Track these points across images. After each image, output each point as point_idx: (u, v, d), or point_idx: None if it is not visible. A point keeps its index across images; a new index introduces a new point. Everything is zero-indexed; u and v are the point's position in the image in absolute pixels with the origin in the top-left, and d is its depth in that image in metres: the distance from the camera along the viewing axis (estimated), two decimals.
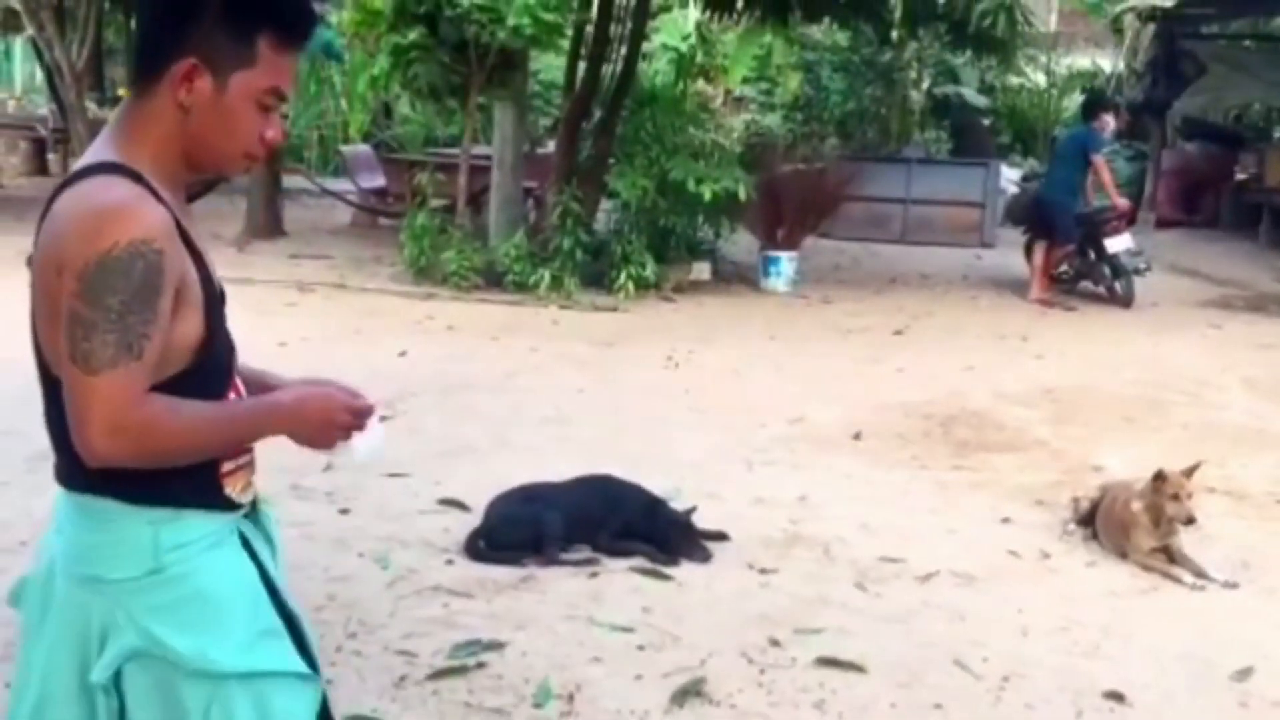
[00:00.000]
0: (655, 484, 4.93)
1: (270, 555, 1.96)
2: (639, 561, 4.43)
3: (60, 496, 1.84)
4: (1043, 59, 20.58)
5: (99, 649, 1.78)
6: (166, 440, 1.72)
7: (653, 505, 4.68)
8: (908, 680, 3.62)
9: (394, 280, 10.14)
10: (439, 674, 3.50)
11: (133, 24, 19.24)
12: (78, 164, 1.79)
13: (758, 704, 3.44)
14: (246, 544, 1.89)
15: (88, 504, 1.79)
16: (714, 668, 3.62)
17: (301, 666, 1.88)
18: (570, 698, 3.41)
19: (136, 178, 1.71)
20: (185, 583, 1.79)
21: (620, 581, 4.29)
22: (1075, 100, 19.58)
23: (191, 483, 1.80)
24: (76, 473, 1.76)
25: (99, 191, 1.69)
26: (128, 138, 1.77)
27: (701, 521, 4.69)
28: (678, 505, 4.76)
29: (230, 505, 1.87)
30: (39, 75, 16.48)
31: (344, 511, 4.80)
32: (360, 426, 1.91)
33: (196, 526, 1.81)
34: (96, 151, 1.77)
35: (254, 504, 1.96)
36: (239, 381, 1.92)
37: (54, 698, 1.82)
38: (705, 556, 4.52)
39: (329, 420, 1.88)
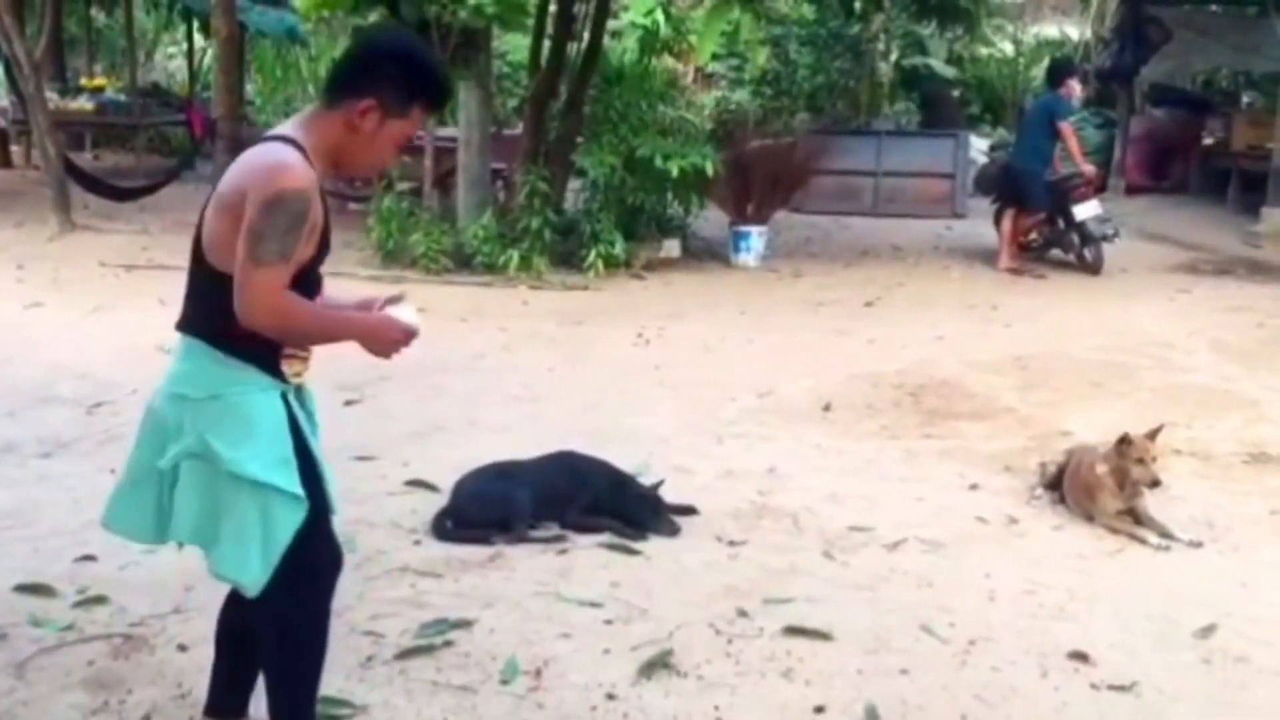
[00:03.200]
0: (625, 459, 4.93)
1: (307, 420, 2.73)
2: (607, 537, 4.43)
3: (177, 339, 2.68)
4: (1010, 28, 20.59)
5: (169, 445, 2.62)
6: (294, 321, 2.58)
7: (620, 481, 4.67)
8: (875, 647, 3.64)
9: (362, 264, 10.08)
10: (406, 653, 3.50)
11: (92, 14, 19.06)
12: (269, 132, 2.71)
13: (725, 674, 3.45)
14: (287, 404, 2.67)
15: (190, 345, 2.64)
16: (682, 639, 3.63)
17: (299, 490, 2.62)
18: (538, 673, 3.41)
19: (303, 151, 2.56)
20: (235, 410, 2.59)
21: (588, 557, 4.29)
22: (1043, 69, 19.62)
23: (260, 352, 2.61)
24: (190, 322, 2.65)
25: (280, 153, 2.55)
26: (305, 130, 2.63)
27: (671, 495, 4.69)
28: (647, 480, 4.76)
29: (281, 376, 2.66)
30: None
31: None
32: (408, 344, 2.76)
33: (252, 377, 2.61)
34: (283, 129, 2.65)
35: (301, 388, 2.75)
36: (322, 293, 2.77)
37: (137, 477, 2.72)
38: (674, 531, 4.52)
39: (393, 340, 2.71)
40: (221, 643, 2.98)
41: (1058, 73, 11.26)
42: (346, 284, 9.44)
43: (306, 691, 2.83)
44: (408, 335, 2.72)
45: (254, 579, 2.63)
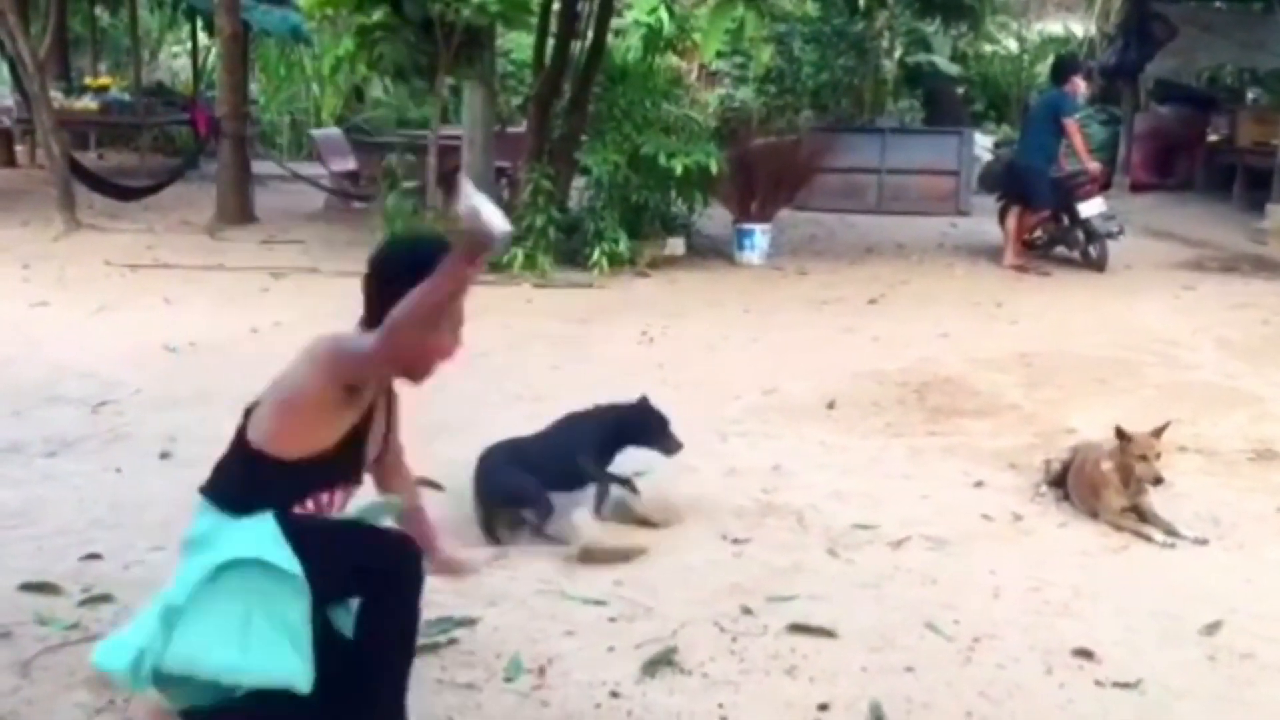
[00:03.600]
0: (628, 458, 4.92)
1: None
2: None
3: None
4: (1014, 25, 20.56)
5: None
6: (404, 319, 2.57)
7: (621, 416, 4.79)
8: (879, 644, 3.63)
9: (368, 264, 10.07)
10: None
11: (97, 13, 19.09)
12: None
13: (729, 672, 3.45)
14: None
15: None
16: (686, 637, 3.63)
17: (288, 562, 2.60)
18: (541, 671, 3.41)
19: None
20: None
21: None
22: (1048, 66, 19.59)
23: None
24: None
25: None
26: None
27: (676, 494, 4.72)
28: (650, 478, 4.77)
29: None
30: (2, 67, 16.28)
31: None
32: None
33: None
34: None
35: None
36: None
37: None
38: (679, 446, 4.71)
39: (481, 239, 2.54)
40: None
41: (1063, 69, 11.23)
42: (349, 285, 9.45)
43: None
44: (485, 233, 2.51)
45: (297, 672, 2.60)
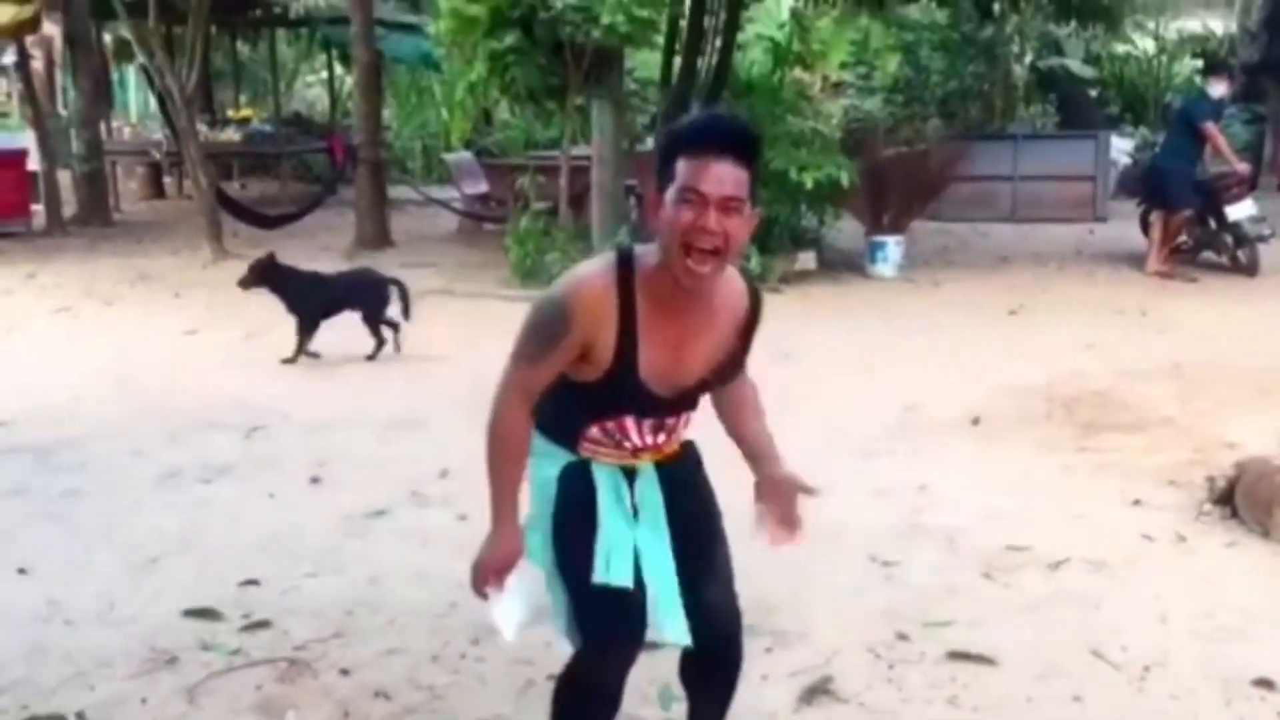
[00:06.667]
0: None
1: (613, 492, 2.57)
2: None
3: None
4: (1150, 24, 19.96)
5: None
6: (494, 429, 2.48)
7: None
8: (1043, 672, 3.51)
9: (501, 284, 10.21)
10: None
11: (239, 46, 19.76)
12: None
13: (888, 700, 3.36)
14: (577, 476, 2.56)
15: None
16: (841, 665, 3.56)
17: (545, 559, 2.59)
18: None
19: (629, 262, 2.44)
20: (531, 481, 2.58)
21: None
22: (1186, 66, 18.99)
23: (558, 432, 2.56)
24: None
25: (589, 263, 2.53)
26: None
27: (818, 514, 4.61)
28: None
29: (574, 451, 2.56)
30: (152, 102, 16.95)
31: (462, 518, 4.81)
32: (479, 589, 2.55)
33: (545, 449, 2.57)
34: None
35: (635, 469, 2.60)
36: None
37: None
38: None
39: (482, 570, 2.53)
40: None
41: (1205, 71, 10.91)
42: (484, 305, 9.62)
43: None
44: (485, 588, 2.54)
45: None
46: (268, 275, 7.62)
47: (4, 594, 4.14)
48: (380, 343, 7.73)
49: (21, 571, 4.32)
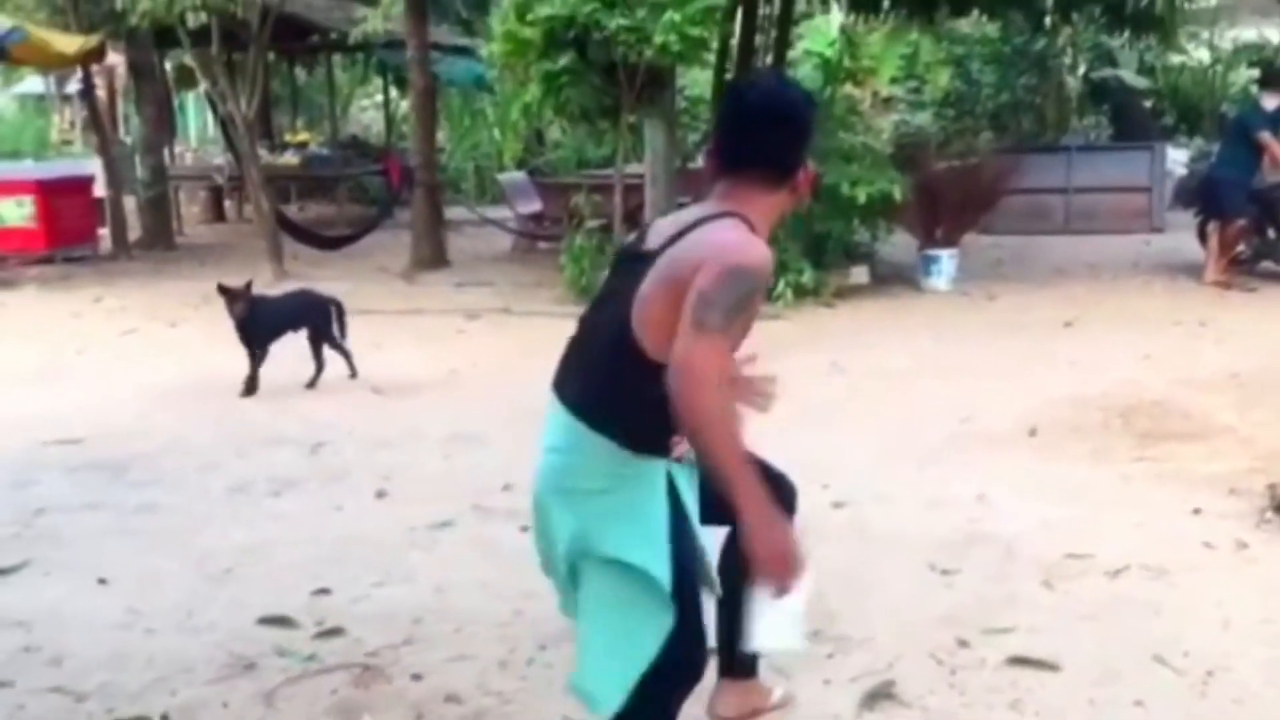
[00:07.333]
0: (825, 490, 4.92)
1: (687, 492, 2.63)
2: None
3: (560, 413, 2.61)
4: (1205, 34, 19.78)
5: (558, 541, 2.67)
6: (708, 407, 2.30)
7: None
8: (1104, 678, 3.53)
9: (556, 302, 10.32)
10: None
11: (296, 72, 20.11)
12: (700, 212, 2.60)
13: (950, 705, 3.41)
14: (670, 482, 2.59)
15: (586, 437, 2.55)
16: (902, 670, 3.60)
17: (667, 588, 2.51)
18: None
19: (751, 227, 2.53)
20: (625, 501, 2.55)
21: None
22: (1242, 75, 18.78)
23: (661, 442, 2.57)
24: (594, 411, 2.55)
25: (744, 230, 2.51)
26: (749, 206, 2.57)
27: (874, 525, 4.68)
28: (849, 511, 4.75)
29: (666, 454, 2.60)
30: (211, 127, 17.31)
31: (524, 529, 4.88)
32: (785, 587, 2.40)
33: (645, 466, 2.56)
34: (727, 205, 2.57)
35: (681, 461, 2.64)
36: None
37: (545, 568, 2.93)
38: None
39: (778, 554, 2.37)
40: None
41: (1261, 83, 10.84)
42: (540, 323, 9.74)
43: None
44: (791, 567, 2.38)
45: (606, 697, 2.59)
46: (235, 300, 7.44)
47: (86, 603, 4.28)
48: (321, 367, 7.66)
49: (102, 581, 4.47)
